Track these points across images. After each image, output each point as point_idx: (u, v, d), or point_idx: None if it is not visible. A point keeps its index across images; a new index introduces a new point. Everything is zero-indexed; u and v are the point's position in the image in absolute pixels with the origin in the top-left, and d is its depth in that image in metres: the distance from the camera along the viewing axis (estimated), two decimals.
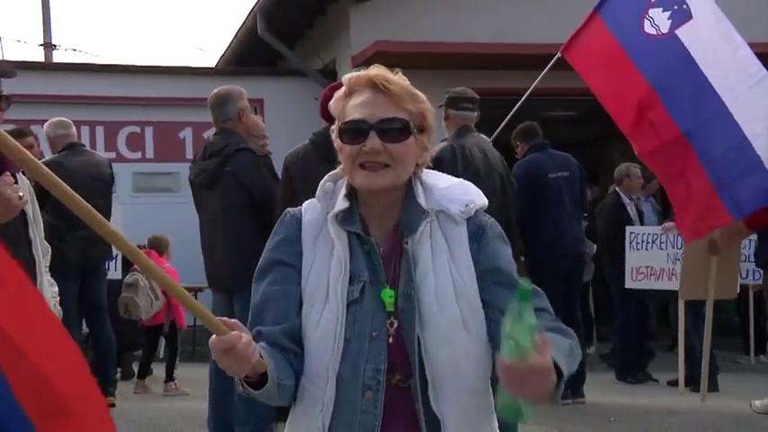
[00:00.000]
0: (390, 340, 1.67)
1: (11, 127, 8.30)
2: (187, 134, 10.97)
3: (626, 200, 7.82)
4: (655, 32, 5.25)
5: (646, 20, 5.29)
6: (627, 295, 7.50)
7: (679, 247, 6.81)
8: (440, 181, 1.80)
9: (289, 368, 1.64)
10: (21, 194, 2.49)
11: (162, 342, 7.72)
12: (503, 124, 6.13)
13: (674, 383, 6.95)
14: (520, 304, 1.45)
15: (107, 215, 5.98)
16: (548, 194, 6.01)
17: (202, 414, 5.07)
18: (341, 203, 1.72)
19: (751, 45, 5.41)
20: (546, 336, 1.46)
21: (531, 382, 1.42)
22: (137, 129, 10.74)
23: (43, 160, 5.93)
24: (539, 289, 1.71)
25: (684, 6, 5.21)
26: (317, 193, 1.77)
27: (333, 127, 1.76)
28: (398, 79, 1.72)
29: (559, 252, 5.98)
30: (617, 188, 7.88)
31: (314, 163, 4.01)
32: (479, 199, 1.78)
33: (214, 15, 53.94)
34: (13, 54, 32.65)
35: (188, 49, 41.61)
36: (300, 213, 1.78)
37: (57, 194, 1.38)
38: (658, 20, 5.25)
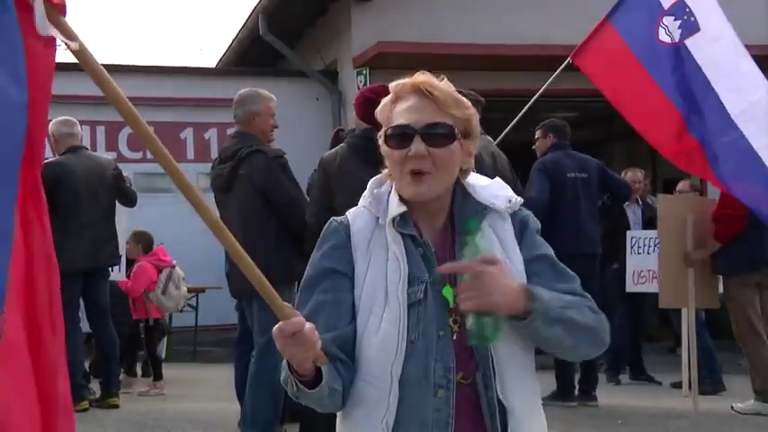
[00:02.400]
0: (454, 338, 1.69)
1: None
2: (188, 134, 10.96)
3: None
4: (669, 41, 5.30)
5: (660, 27, 5.34)
6: (623, 298, 7.53)
7: None
8: (479, 180, 1.85)
9: (337, 375, 1.64)
10: None
11: (164, 340, 7.74)
12: (509, 127, 6.13)
13: (677, 386, 6.94)
14: (469, 235, 1.64)
15: (111, 216, 5.96)
16: (566, 194, 6.02)
17: (207, 416, 5.07)
18: (397, 208, 1.74)
19: (749, 47, 5.46)
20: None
21: (486, 285, 1.57)
22: None
23: (46, 161, 5.89)
24: (571, 273, 1.81)
25: (692, 18, 5.26)
26: (367, 199, 1.79)
27: (380, 133, 1.79)
28: (444, 85, 1.75)
29: (576, 251, 5.96)
30: None
31: (353, 165, 3.91)
32: (516, 195, 1.84)
33: (213, 16, 53.93)
34: None
35: (188, 49, 41.56)
36: (348, 221, 1.79)
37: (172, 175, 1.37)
38: (671, 28, 5.31)
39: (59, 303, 1.30)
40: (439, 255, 1.74)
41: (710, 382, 6.86)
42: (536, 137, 6.48)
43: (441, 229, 1.78)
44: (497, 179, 1.88)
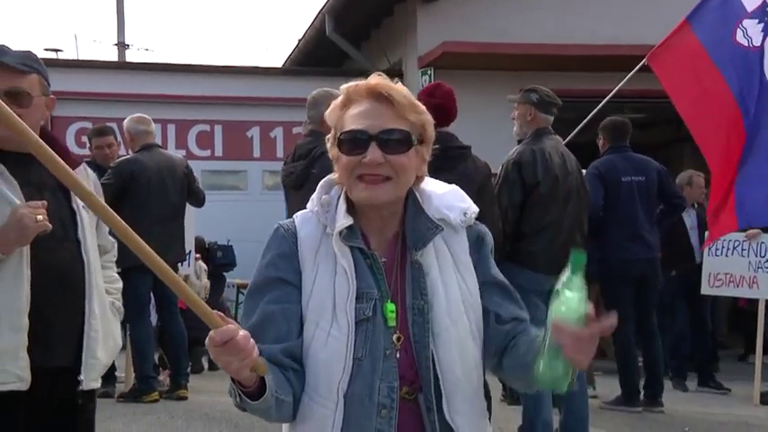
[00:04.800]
0: (398, 355, 1.65)
1: (88, 125, 8.54)
2: (254, 133, 11.13)
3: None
4: (746, 43, 5.18)
5: (739, 29, 5.21)
6: (686, 305, 7.35)
7: (762, 254, 6.68)
8: (435, 187, 1.77)
9: (287, 384, 1.61)
10: (39, 218, 2.39)
11: None
12: (578, 128, 6.07)
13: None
14: (574, 274, 1.49)
15: (181, 214, 6.09)
16: (620, 197, 5.92)
17: None
18: (344, 219, 1.66)
19: None
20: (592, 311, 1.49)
21: (589, 346, 1.48)
22: (206, 127, 10.95)
23: (121, 158, 6.07)
24: (521, 300, 1.78)
25: None
26: (314, 205, 1.72)
27: (329, 136, 1.71)
28: (400, 89, 1.67)
29: (631, 256, 5.88)
30: None
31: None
32: (473, 206, 1.77)
33: (280, 16, 54.65)
34: (89, 53, 33.53)
35: (255, 49, 42.25)
36: (295, 227, 1.72)
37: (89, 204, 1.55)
38: (751, 31, 5.19)
39: None
40: (387, 267, 1.69)
41: None
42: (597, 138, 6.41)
43: (391, 240, 1.72)
44: (454, 187, 1.80)
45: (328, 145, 1.73)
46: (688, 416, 5.93)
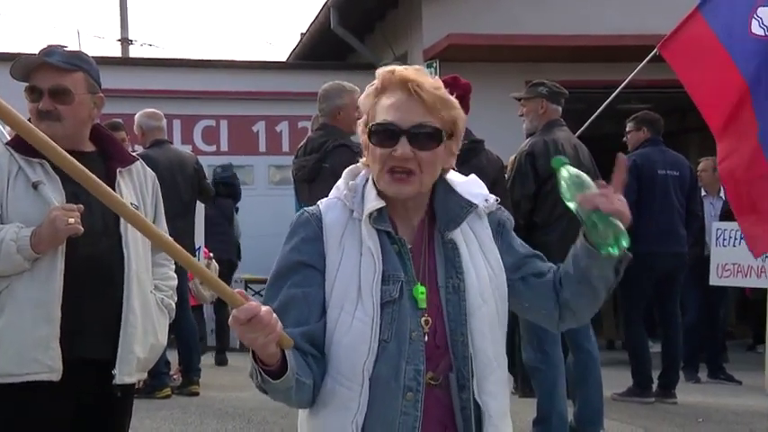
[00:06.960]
0: (426, 338, 1.66)
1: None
2: (260, 128, 11.11)
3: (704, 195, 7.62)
4: (762, 33, 5.11)
5: (754, 20, 5.16)
6: (700, 292, 7.32)
7: None
8: (457, 177, 1.80)
9: (307, 368, 1.61)
10: (71, 221, 2.41)
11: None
12: (591, 119, 6.06)
13: None
14: (567, 168, 1.69)
15: (191, 210, 6.08)
16: (655, 190, 5.92)
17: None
18: (374, 202, 1.68)
19: None
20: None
21: (616, 198, 1.65)
22: (212, 122, 10.93)
23: (133, 154, 6.05)
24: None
25: None
26: (342, 191, 1.74)
27: (360, 121, 1.74)
28: (432, 85, 1.68)
29: (660, 249, 5.87)
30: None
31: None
32: (491, 195, 1.80)
33: (281, 10, 54.58)
34: (92, 49, 33.53)
35: (257, 43, 42.17)
36: (320, 212, 1.73)
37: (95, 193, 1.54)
38: (767, 20, 5.11)
39: None
40: (414, 252, 1.70)
41: None
42: (628, 129, 6.35)
43: (418, 226, 1.74)
44: (473, 176, 1.83)
45: (359, 129, 1.74)
46: (701, 406, 5.93)
